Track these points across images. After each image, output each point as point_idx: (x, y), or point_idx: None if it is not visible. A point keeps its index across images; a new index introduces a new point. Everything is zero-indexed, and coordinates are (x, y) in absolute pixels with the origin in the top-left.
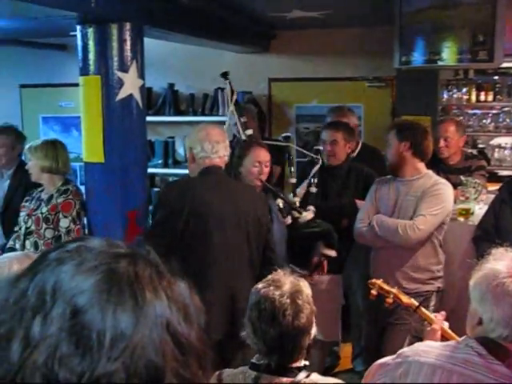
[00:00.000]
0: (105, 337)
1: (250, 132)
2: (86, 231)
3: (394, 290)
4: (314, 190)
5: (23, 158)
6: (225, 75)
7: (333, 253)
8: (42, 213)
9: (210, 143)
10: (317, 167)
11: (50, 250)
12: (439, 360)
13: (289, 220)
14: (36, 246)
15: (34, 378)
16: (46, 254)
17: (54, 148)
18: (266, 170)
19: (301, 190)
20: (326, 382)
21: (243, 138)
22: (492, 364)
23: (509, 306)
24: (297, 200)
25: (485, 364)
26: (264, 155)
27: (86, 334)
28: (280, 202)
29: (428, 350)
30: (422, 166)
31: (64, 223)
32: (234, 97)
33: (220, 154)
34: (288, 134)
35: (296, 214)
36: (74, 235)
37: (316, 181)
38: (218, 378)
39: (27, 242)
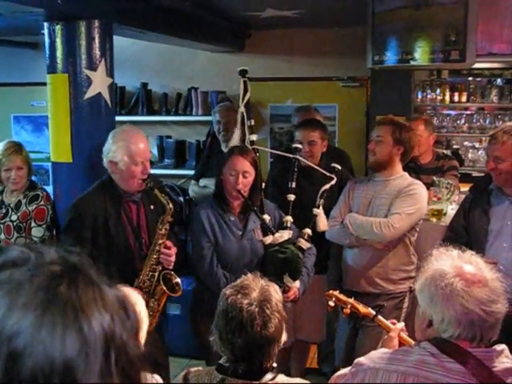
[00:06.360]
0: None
1: (254, 137)
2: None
3: (351, 301)
4: (292, 197)
5: None
6: (243, 73)
7: (296, 284)
8: (12, 221)
9: None
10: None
11: None
12: (394, 364)
13: (268, 239)
14: None
15: None
16: None
17: None
18: (246, 181)
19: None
20: (292, 382)
21: (248, 143)
22: (445, 362)
23: (459, 305)
24: (288, 219)
25: (439, 363)
26: (241, 164)
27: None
28: (267, 219)
29: (382, 356)
30: (400, 167)
31: (38, 232)
32: (247, 97)
33: None
34: (298, 145)
35: (269, 235)
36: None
37: (294, 185)
38: (185, 378)
39: None
